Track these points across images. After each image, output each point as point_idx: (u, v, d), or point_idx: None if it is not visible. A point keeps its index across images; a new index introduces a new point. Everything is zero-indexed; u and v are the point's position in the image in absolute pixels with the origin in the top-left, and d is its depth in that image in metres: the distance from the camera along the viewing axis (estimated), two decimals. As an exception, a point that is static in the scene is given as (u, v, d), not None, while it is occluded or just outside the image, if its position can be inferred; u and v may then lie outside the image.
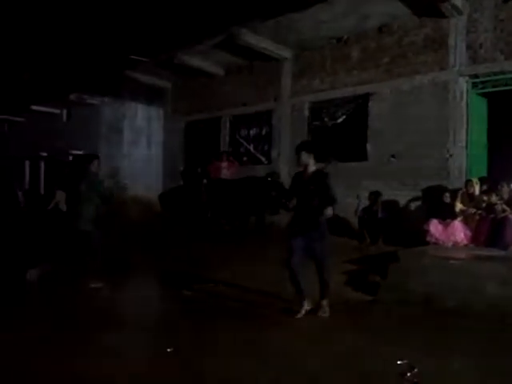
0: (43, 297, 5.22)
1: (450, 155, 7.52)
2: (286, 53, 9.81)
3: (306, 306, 4.31)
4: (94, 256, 5.29)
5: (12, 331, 3.71)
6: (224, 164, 9.83)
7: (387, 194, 7.93)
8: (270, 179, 8.96)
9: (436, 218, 6.54)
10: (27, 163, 14.89)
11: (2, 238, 8.23)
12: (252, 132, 10.99)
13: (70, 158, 12.26)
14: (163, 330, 4.02)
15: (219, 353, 3.37)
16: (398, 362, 3.09)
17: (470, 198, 6.64)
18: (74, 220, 5.39)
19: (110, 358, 3.18)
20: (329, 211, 4.20)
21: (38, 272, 5.55)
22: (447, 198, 6.80)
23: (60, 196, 10.95)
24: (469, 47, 7.38)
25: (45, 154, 13.94)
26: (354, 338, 3.74)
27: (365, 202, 7.83)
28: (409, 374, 2.91)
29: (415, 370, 2.95)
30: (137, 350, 3.49)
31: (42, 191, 13.98)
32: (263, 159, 10.69)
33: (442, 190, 7.11)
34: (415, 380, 2.83)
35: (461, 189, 6.96)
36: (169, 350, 3.34)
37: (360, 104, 8.82)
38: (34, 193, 13.51)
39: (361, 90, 8.70)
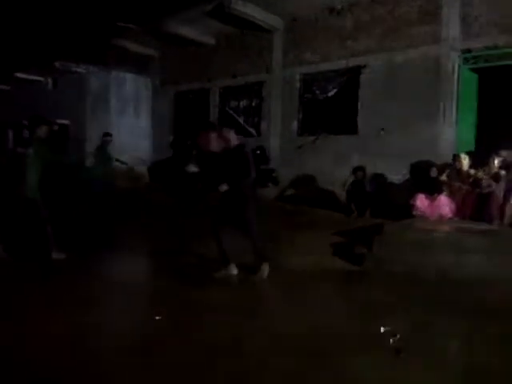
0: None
1: (440, 130, 7.54)
2: (277, 23, 9.61)
3: (231, 271, 4.53)
4: (44, 225, 4.99)
5: None
6: (213, 135, 9.67)
7: (375, 168, 7.98)
8: (258, 152, 8.93)
9: (423, 192, 6.61)
10: (10, 132, 14.55)
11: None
12: (242, 104, 10.85)
13: (56, 127, 11.99)
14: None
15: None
16: (381, 329, 3.17)
17: (457, 173, 6.72)
18: (19, 187, 4.98)
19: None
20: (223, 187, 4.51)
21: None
22: (434, 172, 6.86)
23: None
24: (462, 20, 7.29)
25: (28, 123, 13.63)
26: (338, 305, 3.83)
27: (353, 176, 7.86)
28: (391, 341, 2.99)
29: (397, 337, 3.03)
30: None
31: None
32: (253, 132, 10.61)
33: (429, 164, 7.16)
34: (397, 346, 2.91)
35: (449, 164, 7.01)
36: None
37: (351, 77, 8.74)
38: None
39: (353, 62, 8.60)
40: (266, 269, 4.50)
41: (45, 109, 12.58)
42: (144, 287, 4.46)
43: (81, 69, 11.73)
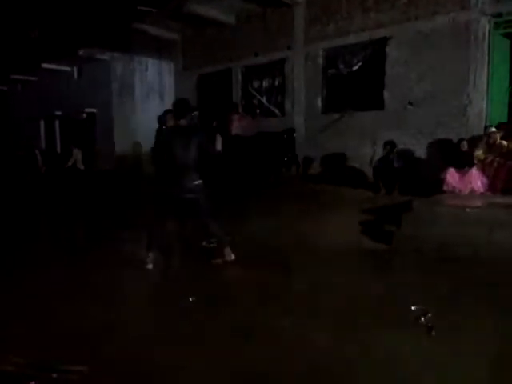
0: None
1: (470, 101, 7.29)
2: (298, -3, 9.38)
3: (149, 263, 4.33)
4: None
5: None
6: (235, 117, 9.64)
7: (403, 143, 7.82)
8: (285, 136, 8.86)
9: (453, 166, 6.46)
10: (42, 123, 14.97)
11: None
12: (265, 83, 10.75)
13: (84, 115, 12.25)
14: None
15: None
16: (412, 308, 3.19)
17: (490, 148, 6.50)
18: None
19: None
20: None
21: None
22: (464, 146, 6.66)
23: (77, 154, 11.13)
24: (492, -17, 6.93)
25: (59, 113, 13.97)
26: (369, 284, 3.85)
27: (378, 152, 7.73)
28: (423, 319, 3.01)
29: (429, 315, 3.05)
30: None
31: (59, 150, 14.15)
32: (277, 111, 10.52)
33: (459, 138, 6.96)
34: (429, 324, 2.93)
35: (480, 136, 6.79)
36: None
37: (376, 49, 8.49)
38: (51, 152, 13.70)
39: (377, 34, 8.35)
40: (228, 252, 4.45)
41: (71, 98, 12.88)
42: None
43: (104, 56, 11.84)
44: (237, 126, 9.44)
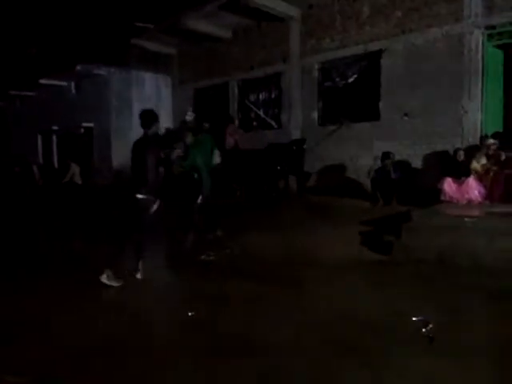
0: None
1: (465, 111, 7.35)
2: (293, 11, 9.52)
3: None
4: None
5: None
6: (230, 130, 9.61)
7: (400, 154, 7.86)
8: (295, 148, 8.73)
9: (450, 176, 6.48)
10: (39, 137, 15.01)
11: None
12: (261, 96, 10.83)
13: (82, 130, 12.30)
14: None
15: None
16: (414, 318, 3.17)
17: (487, 158, 6.52)
18: None
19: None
20: None
21: None
22: (461, 156, 6.70)
23: (74, 169, 11.12)
24: (485, -4, 7.05)
25: (56, 128, 14.02)
26: (368, 295, 3.83)
27: (377, 163, 7.76)
28: (424, 330, 2.99)
29: (430, 326, 3.03)
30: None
31: (56, 165, 14.16)
32: (273, 124, 10.59)
33: (455, 147, 7.01)
34: (430, 335, 2.91)
35: (476, 146, 6.83)
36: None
37: (372, 61, 8.59)
38: (49, 167, 13.70)
39: (372, 46, 8.45)
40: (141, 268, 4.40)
41: (69, 113, 12.94)
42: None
43: (102, 71, 11.93)
44: (229, 141, 9.41)
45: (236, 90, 11.23)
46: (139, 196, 4.22)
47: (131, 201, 4.24)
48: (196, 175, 4.37)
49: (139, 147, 4.29)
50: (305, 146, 8.85)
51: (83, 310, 3.63)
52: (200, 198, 4.42)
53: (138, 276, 4.32)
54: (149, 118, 4.36)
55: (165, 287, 4.43)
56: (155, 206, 4.24)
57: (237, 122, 10.65)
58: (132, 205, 4.25)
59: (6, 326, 3.31)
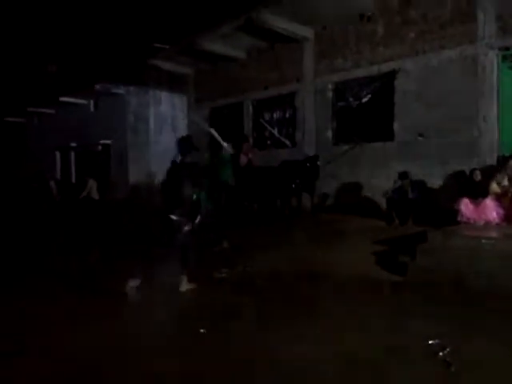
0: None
1: (480, 132, 7.32)
2: (307, 32, 9.68)
3: None
4: None
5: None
6: (244, 149, 9.65)
7: (415, 174, 7.82)
8: (308, 164, 8.73)
9: (467, 196, 6.42)
10: (58, 154, 15.34)
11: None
12: (275, 115, 10.95)
13: (100, 147, 12.55)
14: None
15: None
16: (430, 342, 3.12)
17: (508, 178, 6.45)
18: None
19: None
20: None
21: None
22: (478, 176, 6.64)
23: (91, 184, 11.32)
24: (498, 18, 7.09)
25: (74, 145, 14.33)
26: (382, 317, 3.78)
27: (397, 183, 7.68)
28: (441, 354, 2.94)
29: (447, 350, 2.97)
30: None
31: (74, 181, 14.42)
32: (287, 143, 10.66)
33: (472, 168, 6.96)
34: (447, 359, 2.86)
35: (494, 167, 6.77)
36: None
37: (385, 82, 8.65)
38: (66, 182, 13.96)
39: (386, 67, 8.53)
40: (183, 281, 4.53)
41: (87, 130, 13.23)
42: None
43: (120, 90, 12.23)
44: (243, 159, 9.45)
45: (251, 109, 11.38)
46: (173, 217, 4.41)
47: (165, 221, 4.47)
48: (194, 196, 4.46)
49: (176, 172, 4.54)
50: (319, 163, 8.77)
51: (99, 324, 3.66)
52: (198, 218, 4.54)
53: (181, 289, 4.49)
54: (188, 145, 4.64)
55: (177, 303, 4.45)
56: (187, 227, 4.45)
57: (251, 140, 10.75)
58: (166, 225, 4.48)
59: (18, 337, 3.36)
